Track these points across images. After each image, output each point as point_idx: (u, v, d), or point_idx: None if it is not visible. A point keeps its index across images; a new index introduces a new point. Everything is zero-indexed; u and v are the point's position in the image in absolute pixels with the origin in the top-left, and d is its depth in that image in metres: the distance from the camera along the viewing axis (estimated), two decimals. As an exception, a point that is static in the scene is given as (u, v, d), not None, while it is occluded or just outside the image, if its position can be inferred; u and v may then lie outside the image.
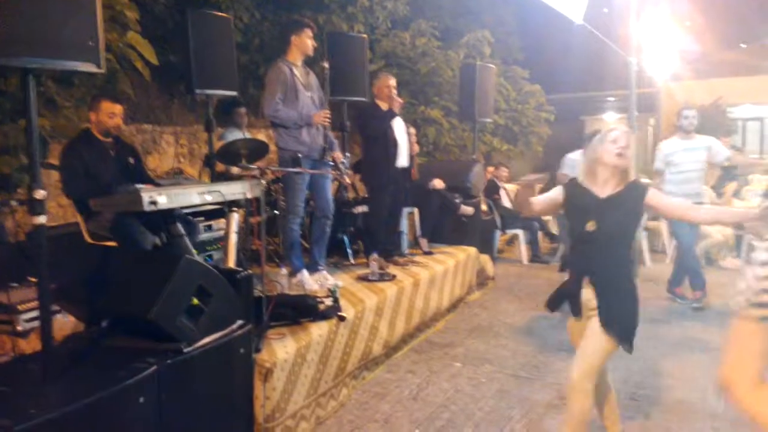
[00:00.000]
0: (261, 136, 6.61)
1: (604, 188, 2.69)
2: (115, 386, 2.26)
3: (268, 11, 8.09)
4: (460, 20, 11.68)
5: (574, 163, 5.43)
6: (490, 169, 8.29)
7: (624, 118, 7.02)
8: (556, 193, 2.85)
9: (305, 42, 4.41)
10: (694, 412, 3.53)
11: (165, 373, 2.45)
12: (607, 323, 2.63)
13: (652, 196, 2.67)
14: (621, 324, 2.65)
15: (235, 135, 5.62)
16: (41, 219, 2.33)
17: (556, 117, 12.39)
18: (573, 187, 2.78)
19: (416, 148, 5.50)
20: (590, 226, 2.65)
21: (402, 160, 5.23)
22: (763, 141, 16.13)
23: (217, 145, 5.03)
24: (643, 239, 7.43)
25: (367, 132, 5.22)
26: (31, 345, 3.25)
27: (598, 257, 2.68)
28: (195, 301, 2.67)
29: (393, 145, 5.11)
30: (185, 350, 2.57)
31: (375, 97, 5.25)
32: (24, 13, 2.18)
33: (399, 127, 5.21)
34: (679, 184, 5.43)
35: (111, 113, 3.88)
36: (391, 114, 5.07)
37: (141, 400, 2.35)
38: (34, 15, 2.21)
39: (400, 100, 5.12)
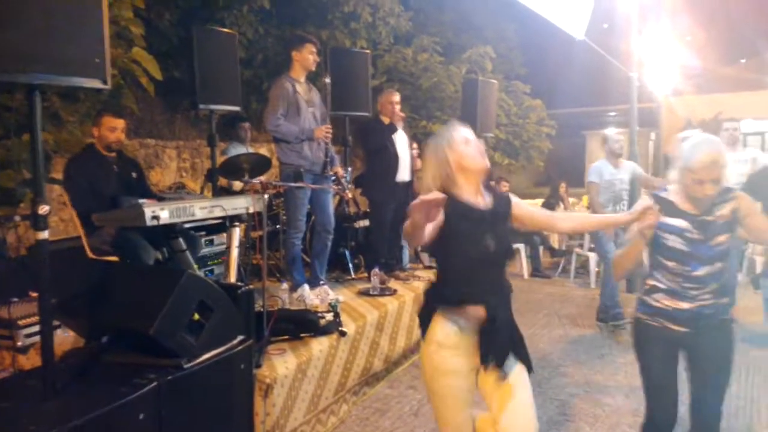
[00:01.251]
0: (263, 151, 6.66)
1: (477, 199, 2.26)
2: (116, 402, 2.25)
3: (272, 27, 8.17)
4: (463, 36, 11.78)
5: (600, 170, 5.38)
6: (491, 183, 8.31)
7: (625, 133, 7.00)
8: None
9: (306, 57, 4.45)
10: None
11: (165, 388, 2.45)
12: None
13: (516, 205, 2.37)
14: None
15: (238, 150, 5.65)
16: (44, 234, 2.34)
17: (557, 131, 12.44)
18: (451, 204, 2.11)
19: (419, 163, 5.51)
20: (490, 244, 2.17)
21: (403, 175, 5.24)
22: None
23: (220, 159, 5.06)
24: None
25: (368, 146, 5.27)
26: (31, 361, 3.25)
27: (496, 284, 2.25)
28: (196, 316, 2.66)
29: (394, 159, 5.14)
30: (186, 366, 2.56)
31: (379, 112, 5.29)
32: (30, 29, 2.20)
33: (401, 142, 5.24)
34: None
35: (112, 128, 3.91)
36: (392, 128, 5.10)
37: (141, 416, 2.34)
38: (41, 31, 2.23)
39: (402, 114, 5.16)
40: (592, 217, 2.59)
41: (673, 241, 2.37)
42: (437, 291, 2.22)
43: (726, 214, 2.35)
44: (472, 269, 2.15)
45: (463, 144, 2.28)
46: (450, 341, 2.15)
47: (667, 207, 2.38)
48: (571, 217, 2.65)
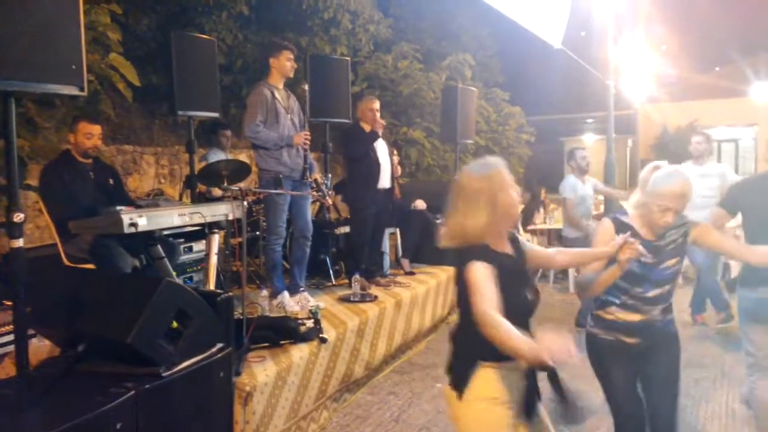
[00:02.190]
0: (243, 157, 6.63)
1: (506, 246, 2.13)
2: (93, 412, 2.22)
3: (251, 33, 8.15)
4: (442, 43, 11.85)
5: (574, 186, 5.44)
6: None
7: (603, 139, 7.11)
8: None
9: (284, 64, 4.44)
10: None
11: (143, 397, 2.42)
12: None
13: (524, 245, 2.23)
14: None
15: (218, 156, 5.62)
16: (19, 242, 2.31)
17: (536, 138, 12.58)
18: (492, 256, 2.01)
19: (399, 170, 5.54)
20: (529, 295, 2.12)
21: (384, 182, 5.26)
22: (738, 162, 16.47)
23: (200, 166, 5.03)
24: None
25: (349, 153, 5.28)
26: (5, 370, 3.19)
27: (529, 333, 2.03)
28: (174, 324, 2.64)
29: (375, 166, 5.15)
30: (164, 374, 2.54)
31: (359, 119, 5.29)
32: (6, 35, 2.19)
33: (382, 149, 5.26)
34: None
35: (89, 134, 3.87)
36: (373, 136, 5.12)
37: (119, 425, 2.31)
38: (17, 38, 2.22)
39: (382, 122, 5.17)
40: (585, 252, 2.57)
41: (631, 264, 2.38)
42: (481, 344, 1.89)
43: (677, 239, 2.48)
44: (515, 322, 1.89)
45: (512, 187, 2.07)
46: (504, 395, 2.01)
47: (626, 231, 2.41)
48: (566, 252, 2.61)
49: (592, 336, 2.61)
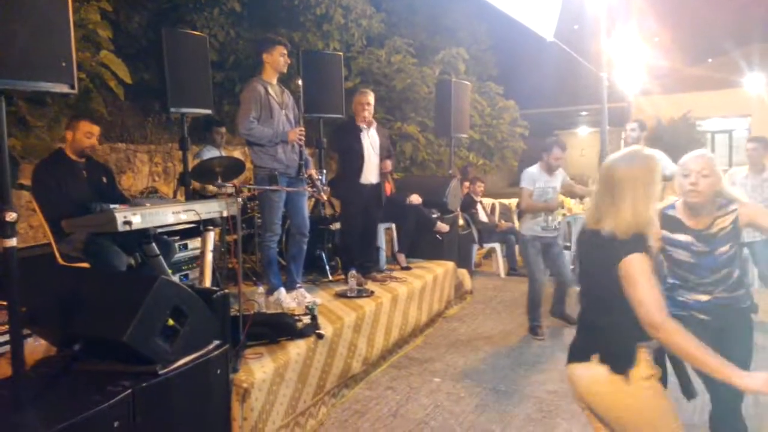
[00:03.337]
0: (237, 154, 6.61)
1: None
2: (89, 411, 2.22)
3: (243, 29, 8.12)
4: (436, 37, 11.84)
5: (532, 176, 5.14)
6: (466, 184, 8.36)
7: (597, 132, 7.10)
8: None
9: (277, 59, 4.42)
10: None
11: (140, 396, 2.42)
12: None
13: None
14: None
15: (212, 153, 5.60)
16: (12, 242, 2.29)
17: (530, 131, 12.59)
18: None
19: (387, 165, 5.44)
20: None
21: (369, 176, 5.17)
22: (731, 153, 16.53)
23: (194, 163, 5.01)
24: None
25: (334, 147, 5.24)
26: (1, 370, 3.18)
27: None
28: (170, 322, 2.63)
29: (359, 160, 5.08)
30: (160, 372, 2.53)
31: (353, 114, 5.28)
32: (-6, 33, 2.16)
33: (370, 144, 5.18)
34: None
35: (89, 133, 3.86)
36: (356, 129, 5.08)
37: (116, 424, 2.31)
38: (5, 36, 2.19)
39: (368, 118, 5.11)
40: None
41: (681, 255, 2.58)
42: (637, 326, 1.99)
43: (726, 226, 2.54)
44: None
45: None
46: (658, 372, 2.14)
47: (674, 224, 2.57)
48: None
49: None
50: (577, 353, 2.23)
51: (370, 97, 5.20)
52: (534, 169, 5.21)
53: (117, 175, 6.15)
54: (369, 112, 5.12)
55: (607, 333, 2.15)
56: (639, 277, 1.97)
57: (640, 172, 2.07)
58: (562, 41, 6.62)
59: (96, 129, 3.91)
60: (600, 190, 2.14)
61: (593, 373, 2.14)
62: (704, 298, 2.60)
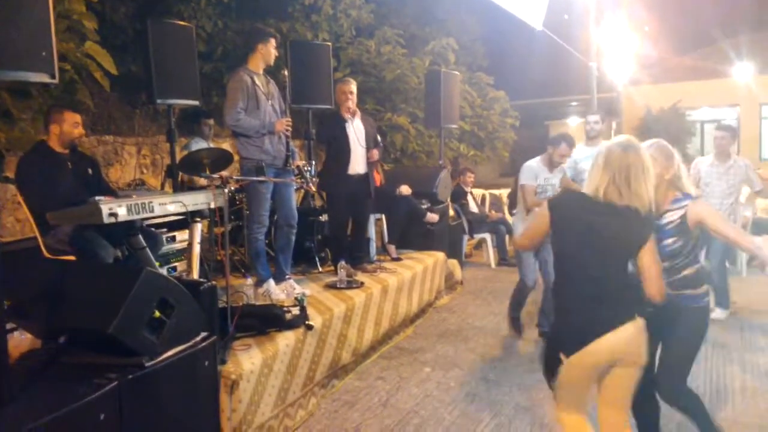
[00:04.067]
0: (226, 146, 6.56)
1: None
2: (75, 403, 2.21)
3: (231, 20, 8.05)
4: (425, 28, 11.79)
5: (533, 171, 4.77)
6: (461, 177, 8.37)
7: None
8: None
9: (270, 51, 4.39)
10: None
11: (126, 388, 2.41)
12: None
13: None
14: None
15: (200, 145, 5.55)
16: (-7, 234, 2.26)
17: (520, 122, 12.58)
18: None
19: (374, 154, 5.38)
20: None
21: (356, 167, 5.12)
22: (720, 143, 16.54)
23: (181, 155, 4.97)
24: None
25: (320, 139, 5.18)
26: (-14, 364, 3.15)
27: None
28: (157, 314, 2.62)
29: (345, 150, 5.04)
30: (147, 364, 2.52)
31: (338, 104, 5.24)
32: (-27, 23, 2.13)
33: (356, 134, 5.11)
34: None
35: (75, 123, 3.80)
36: (340, 119, 5.05)
37: (102, 416, 2.30)
38: (-17, 24, 2.16)
39: (351, 107, 5.06)
40: None
41: None
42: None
43: (674, 220, 2.58)
44: None
45: None
46: None
47: None
48: None
49: None
50: (606, 324, 2.31)
51: (353, 86, 5.13)
52: (534, 163, 4.82)
53: (105, 167, 6.09)
54: (352, 101, 5.06)
55: (633, 292, 2.36)
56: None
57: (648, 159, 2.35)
58: (551, 31, 6.63)
59: (80, 118, 3.86)
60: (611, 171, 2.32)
61: (633, 329, 2.31)
62: None
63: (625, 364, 2.36)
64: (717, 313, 5.22)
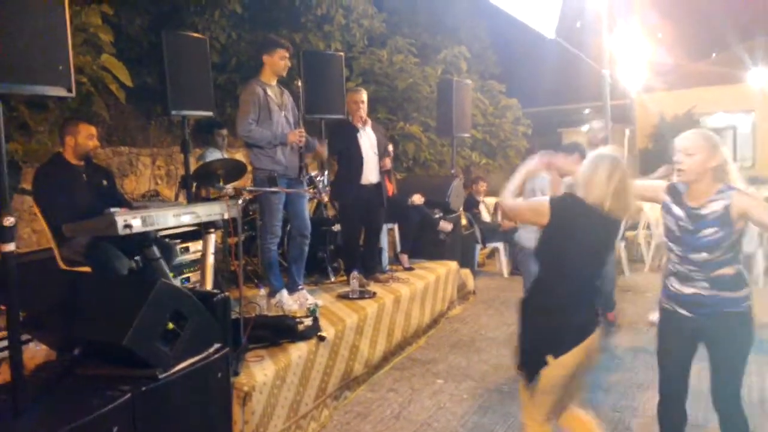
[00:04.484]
0: (239, 156, 6.60)
1: None
2: (89, 416, 2.21)
3: (245, 31, 8.10)
4: (437, 37, 11.79)
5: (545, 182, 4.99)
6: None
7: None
8: None
9: (277, 62, 4.40)
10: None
11: (140, 400, 2.41)
12: None
13: None
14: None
15: (215, 156, 5.59)
16: (10, 246, 2.28)
17: (533, 130, 12.53)
18: None
19: (387, 163, 5.38)
20: None
21: (369, 176, 5.13)
22: (735, 149, 16.42)
23: (198, 165, 5.00)
24: (621, 249, 7.48)
25: (330, 149, 5.19)
26: (1, 376, 3.18)
27: None
28: (170, 325, 2.63)
29: (357, 160, 5.04)
30: (161, 376, 2.53)
31: (349, 113, 5.26)
32: (-9, 37, 2.16)
33: (368, 143, 5.12)
34: None
35: (91, 135, 3.86)
36: (352, 129, 5.05)
37: (115, 429, 2.30)
38: (2, 39, 2.19)
39: (362, 116, 5.07)
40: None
41: (671, 224, 2.65)
42: None
43: (717, 209, 2.51)
44: None
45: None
46: None
47: (676, 195, 2.65)
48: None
49: (660, 303, 2.77)
50: (595, 322, 2.51)
51: (363, 95, 5.16)
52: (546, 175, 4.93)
53: (119, 178, 6.15)
54: (363, 110, 5.09)
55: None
56: None
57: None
58: (563, 38, 6.60)
59: (94, 130, 3.92)
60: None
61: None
62: (688, 291, 2.60)
63: (591, 361, 2.53)
64: None
